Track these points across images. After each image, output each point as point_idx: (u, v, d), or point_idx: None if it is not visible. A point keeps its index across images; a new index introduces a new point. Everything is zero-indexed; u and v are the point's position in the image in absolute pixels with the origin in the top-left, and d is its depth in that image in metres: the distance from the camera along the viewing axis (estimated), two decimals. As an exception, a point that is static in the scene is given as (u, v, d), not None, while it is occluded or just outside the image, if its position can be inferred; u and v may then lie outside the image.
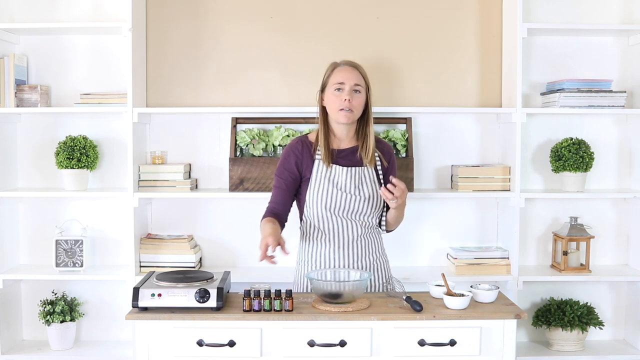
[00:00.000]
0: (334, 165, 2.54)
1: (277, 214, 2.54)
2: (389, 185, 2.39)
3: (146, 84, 3.34)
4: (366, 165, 2.56)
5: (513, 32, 3.19)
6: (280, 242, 2.33)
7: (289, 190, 2.57)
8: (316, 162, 2.55)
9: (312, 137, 2.62)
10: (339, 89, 2.50)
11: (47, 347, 3.27)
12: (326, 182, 2.53)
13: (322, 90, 2.58)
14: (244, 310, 2.25)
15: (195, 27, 3.35)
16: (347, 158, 2.57)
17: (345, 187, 2.53)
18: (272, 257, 2.30)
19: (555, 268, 3.32)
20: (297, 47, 3.35)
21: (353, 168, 2.54)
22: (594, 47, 3.39)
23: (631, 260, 3.41)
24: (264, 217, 2.53)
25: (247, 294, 2.26)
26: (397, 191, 2.38)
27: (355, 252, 2.56)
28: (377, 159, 2.60)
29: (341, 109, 2.49)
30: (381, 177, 2.60)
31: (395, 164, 2.68)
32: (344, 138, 2.59)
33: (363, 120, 2.58)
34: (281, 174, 2.58)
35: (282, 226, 2.54)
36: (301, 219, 2.64)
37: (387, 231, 2.69)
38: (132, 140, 3.12)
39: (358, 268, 2.55)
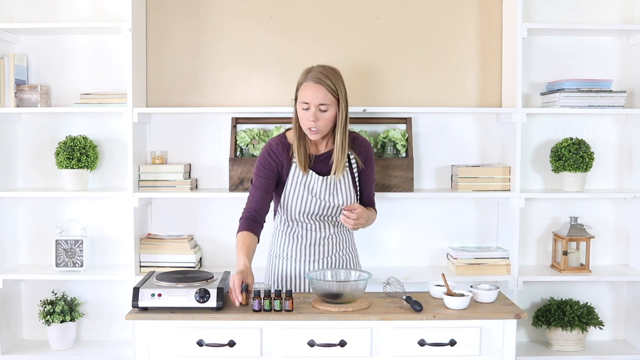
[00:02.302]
0: (311, 172, 2.54)
1: (255, 218, 2.51)
2: (345, 213, 2.47)
3: (146, 84, 3.34)
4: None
5: (513, 32, 3.19)
6: (245, 280, 2.28)
7: (269, 190, 2.55)
8: (293, 165, 2.55)
9: (290, 137, 2.58)
10: (304, 108, 2.47)
11: (47, 347, 3.27)
12: (302, 188, 2.53)
13: (296, 99, 2.53)
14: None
15: (195, 27, 3.35)
16: (324, 162, 2.56)
17: (320, 194, 2.53)
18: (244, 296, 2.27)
19: (555, 268, 3.32)
20: (297, 47, 3.35)
21: (329, 177, 2.54)
22: (594, 47, 3.39)
23: (631, 260, 3.41)
24: (241, 228, 2.48)
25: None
26: (353, 215, 2.46)
27: (325, 249, 2.62)
28: (354, 161, 2.59)
29: (308, 128, 2.48)
30: (357, 178, 2.61)
31: (372, 162, 2.65)
32: (320, 143, 2.58)
33: (337, 130, 2.50)
34: (261, 173, 2.54)
35: (261, 227, 2.52)
36: (275, 214, 2.68)
37: None
38: (132, 140, 3.12)
39: (327, 261, 2.61)
